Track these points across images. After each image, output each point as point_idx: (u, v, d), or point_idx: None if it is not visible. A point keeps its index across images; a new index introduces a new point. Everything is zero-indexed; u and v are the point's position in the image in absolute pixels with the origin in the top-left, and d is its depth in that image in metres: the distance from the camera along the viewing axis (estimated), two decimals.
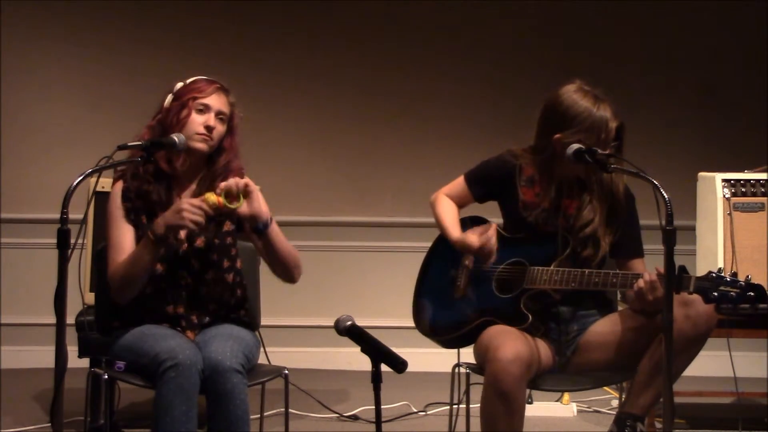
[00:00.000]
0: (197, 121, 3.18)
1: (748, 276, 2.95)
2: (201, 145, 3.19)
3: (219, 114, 3.22)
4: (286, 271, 3.25)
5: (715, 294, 2.92)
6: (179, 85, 3.25)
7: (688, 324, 3.04)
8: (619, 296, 3.49)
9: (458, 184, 3.47)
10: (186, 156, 3.20)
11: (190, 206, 3.02)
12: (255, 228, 3.13)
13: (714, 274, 2.95)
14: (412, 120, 5.59)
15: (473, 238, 3.27)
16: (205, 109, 3.20)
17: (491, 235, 3.26)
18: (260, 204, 3.10)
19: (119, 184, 3.23)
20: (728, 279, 2.93)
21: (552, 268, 3.22)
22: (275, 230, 3.17)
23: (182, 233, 3.20)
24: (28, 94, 5.48)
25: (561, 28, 5.58)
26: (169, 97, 3.24)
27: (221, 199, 3.04)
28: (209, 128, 3.18)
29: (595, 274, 3.17)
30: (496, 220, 3.45)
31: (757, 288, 2.90)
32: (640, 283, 3.06)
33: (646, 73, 5.52)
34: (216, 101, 3.22)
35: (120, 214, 3.18)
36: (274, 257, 3.20)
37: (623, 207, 3.29)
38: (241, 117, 3.30)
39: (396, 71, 5.58)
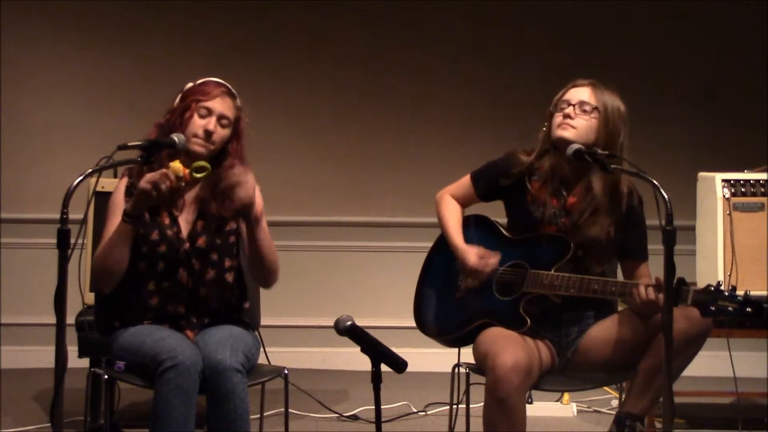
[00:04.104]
0: (198, 124, 3.18)
1: (747, 291, 2.95)
2: (198, 149, 3.18)
3: (222, 118, 3.21)
4: (263, 272, 3.21)
5: (713, 308, 2.93)
6: (189, 85, 3.26)
7: (686, 324, 3.04)
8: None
9: (464, 183, 3.47)
10: (186, 158, 3.20)
11: (151, 173, 3.03)
12: (246, 217, 3.10)
13: (713, 288, 2.96)
14: (412, 121, 5.59)
15: (473, 256, 3.28)
16: (207, 113, 3.19)
17: (491, 264, 3.27)
18: (254, 194, 3.06)
19: (125, 180, 3.24)
20: (726, 293, 2.93)
21: (552, 272, 3.21)
22: (263, 226, 3.14)
23: (183, 232, 3.21)
24: (29, 95, 5.48)
25: (561, 29, 5.57)
26: (179, 98, 3.24)
27: (186, 170, 3.05)
28: (208, 132, 3.18)
29: (594, 281, 3.17)
30: (500, 220, 3.45)
31: (755, 304, 2.91)
32: (642, 294, 3.06)
33: (646, 73, 5.51)
34: (219, 105, 3.20)
35: (119, 209, 3.18)
36: (256, 253, 3.15)
37: (627, 208, 3.29)
38: (248, 122, 3.29)
39: (396, 72, 5.57)
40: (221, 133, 3.21)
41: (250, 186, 3.03)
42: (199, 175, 3.10)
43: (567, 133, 3.20)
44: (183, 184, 3.11)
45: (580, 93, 3.23)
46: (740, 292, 2.94)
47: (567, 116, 3.21)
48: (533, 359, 3.13)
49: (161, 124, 3.22)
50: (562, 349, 3.30)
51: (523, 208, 3.32)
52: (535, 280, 3.23)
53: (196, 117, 3.18)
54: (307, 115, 5.58)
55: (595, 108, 3.21)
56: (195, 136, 3.17)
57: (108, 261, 3.12)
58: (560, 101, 3.26)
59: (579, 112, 3.21)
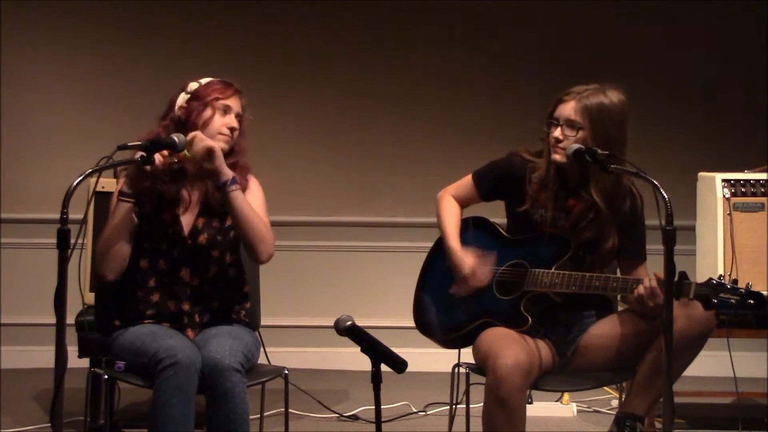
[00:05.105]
0: (220, 122, 3.23)
1: (748, 283, 2.96)
2: (224, 146, 3.23)
3: (237, 115, 3.28)
4: (250, 244, 3.20)
5: (715, 301, 2.93)
6: (194, 84, 3.28)
7: (688, 324, 3.05)
8: (619, 297, 3.49)
9: (465, 182, 3.48)
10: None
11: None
12: (217, 185, 3.15)
13: (714, 281, 2.96)
14: (413, 121, 5.59)
15: (468, 264, 3.29)
16: (227, 111, 3.25)
17: (487, 266, 3.27)
18: (221, 162, 3.13)
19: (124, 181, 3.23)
20: (728, 286, 2.93)
21: (553, 270, 3.22)
22: (239, 195, 3.16)
23: (185, 230, 3.22)
24: (29, 95, 5.48)
25: (560, 28, 5.58)
26: (183, 96, 3.26)
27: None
28: (233, 129, 3.24)
29: (595, 278, 3.17)
30: (499, 220, 3.45)
31: (757, 296, 2.91)
32: (640, 290, 3.07)
33: (646, 73, 5.51)
34: (235, 103, 3.28)
35: None
36: (238, 224, 3.18)
37: (627, 209, 3.29)
38: (250, 119, 3.33)
39: (396, 73, 5.57)
40: (238, 130, 3.27)
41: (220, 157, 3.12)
42: (190, 153, 3.12)
43: (558, 157, 3.23)
44: (176, 159, 3.13)
45: (566, 109, 3.22)
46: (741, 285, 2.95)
47: (557, 140, 3.22)
48: (533, 358, 3.13)
49: (167, 125, 3.24)
50: (562, 349, 3.30)
51: (522, 209, 3.33)
52: (536, 279, 3.23)
53: (217, 115, 3.23)
54: (307, 116, 5.58)
55: (581, 127, 3.20)
56: (219, 133, 3.22)
57: (109, 245, 3.13)
58: (551, 118, 3.26)
59: (567, 133, 3.21)
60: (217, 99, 3.24)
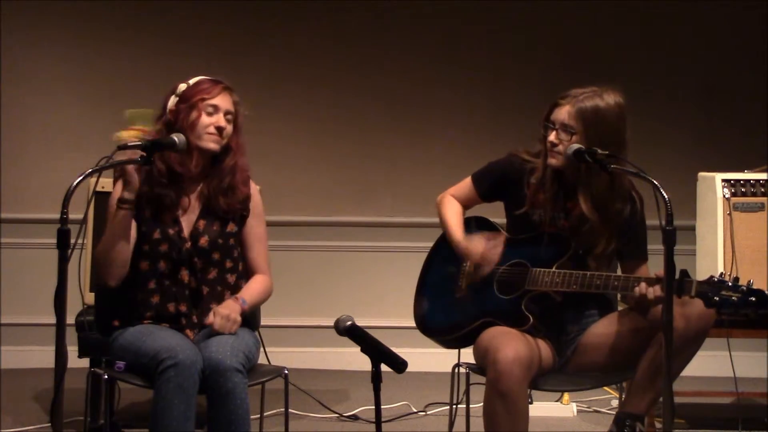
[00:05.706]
0: (207, 122, 3.20)
1: (750, 281, 2.95)
2: (212, 145, 3.21)
3: (227, 114, 3.24)
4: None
5: (717, 299, 2.93)
6: (183, 86, 3.26)
7: (685, 323, 3.04)
8: (619, 296, 3.49)
9: (465, 184, 3.48)
10: (199, 157, 3.22)
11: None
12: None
13: (715, 279, 2.96)
14: (412, 121, 5.59)
15: (477, 246, 3.28)
16: (214, 111, 3.22)
17: (498, 244, 3.27)
18: (223, 319, 3.14)
19: (120, 183, 3.22)
20: (730, 284, 2.93)
21: (553, 269, 3.22)
22: (252, 302, 3.29)
23: (185, 231, 3.22)
24: (29, 94, 5.48)
25: (560, 28, 5.58)
26: (173, 99, 3.24)
27: (137, 129, 3.09)
28: (220, 129, 3.21)
29: (596, 277, 3.17)
30: (500, 221, 3.45)
31: (759, 293, 2.90)
32: (642, 289, 3.06)
33: (646, 73, 5.51)
34: (223, 101, 3.24)
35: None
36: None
37: (627, 213, 3.28)
38: (246, 115, 3.31)
39: (396, 73, 5.57)
40: (228, 129, 3.24)
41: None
42: (148, 125, 3.15)
43: (554, 161, 3.23)
44: (149, 138, 3.13)
45: (562, 113, 3.22)
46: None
47: (552, 144, 3.22)
48: (534, 353, 3.13)
49: (159, 129, 3.22)
50: (561, 348, 3.30)
51: (521, 209, 3.33)
52: (537, 278, 3.23)
53: (204, 116, 3.20)
54: (307, 116, 5.58)
55: (575, 131, 3.20)
56: (207, 133, 3.20)
57: (109, 252, 3.13)
58: (548, 121, 3.26)
59: (563, 136, 3.21)
60: (203, 99, 3.20)
